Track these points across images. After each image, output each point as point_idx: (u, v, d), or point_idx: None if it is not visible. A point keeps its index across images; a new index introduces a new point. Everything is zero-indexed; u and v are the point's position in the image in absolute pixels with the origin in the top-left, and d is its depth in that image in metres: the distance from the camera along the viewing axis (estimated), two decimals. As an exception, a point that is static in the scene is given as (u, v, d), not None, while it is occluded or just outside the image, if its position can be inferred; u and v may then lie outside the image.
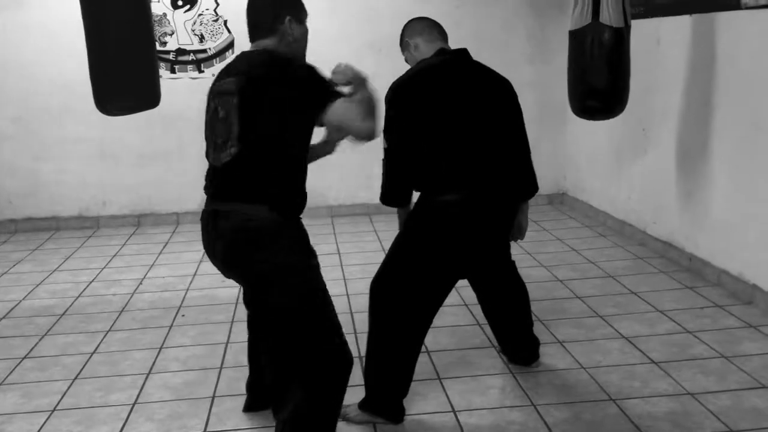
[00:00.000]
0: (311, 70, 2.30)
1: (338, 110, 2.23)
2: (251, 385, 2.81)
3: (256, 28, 2.45)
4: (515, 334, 3.09)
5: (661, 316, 3.59)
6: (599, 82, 3.64)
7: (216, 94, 2.35)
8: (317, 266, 2.35)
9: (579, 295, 3.93)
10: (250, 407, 2.81)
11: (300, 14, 2.49)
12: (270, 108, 2.23)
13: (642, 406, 2.72)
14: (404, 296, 2.66)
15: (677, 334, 3.36)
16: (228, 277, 2.42)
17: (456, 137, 2.64)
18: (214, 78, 2.45)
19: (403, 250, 2.72)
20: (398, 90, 2.70)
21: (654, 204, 4.66)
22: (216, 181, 2.34)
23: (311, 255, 2.35)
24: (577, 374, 3.01)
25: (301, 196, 2.36)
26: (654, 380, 2.92)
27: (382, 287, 2.71)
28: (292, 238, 2.31)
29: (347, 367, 2.28)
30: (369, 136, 2.28)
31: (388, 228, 5.40)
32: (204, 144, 2.44)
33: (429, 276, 2.66)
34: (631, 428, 2.57)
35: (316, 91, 2.25)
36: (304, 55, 2.54)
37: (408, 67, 2.87)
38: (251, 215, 2.24)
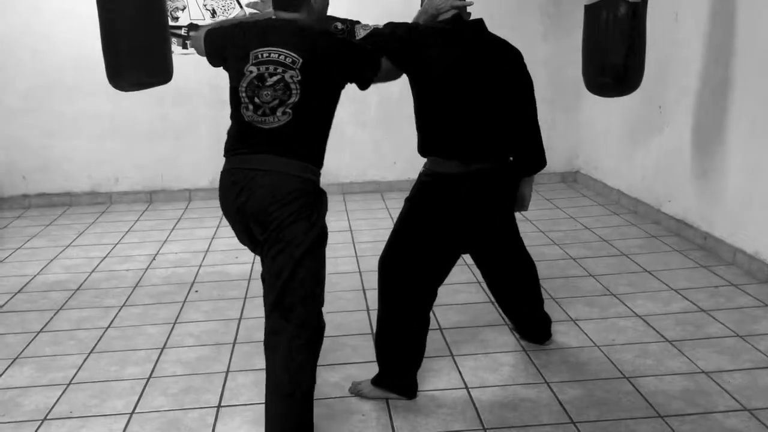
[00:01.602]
0: (354, 44, 2.59)
1: (385, 67, 2.58)
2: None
3: (288, 3, 2.58)
4: (524, 312, 3.07)
5: (675, 294, 3.57)
6: (614, 58, 3.59)
7: (263, 60, 2.46)
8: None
9: (592, 274, 3.91)
10: None
11: None
12: (327, 85, 2.49)
13: (656, 384, 2.71)
14: (409, 269, 2.65)
15: (691, 313, 3.35)
16: (248, 234, 2.53)
17: (459, 105, 2.61)
18: (245, 34, 2.56)
19: (406, 225, 2.72)
20: (414, 33, 2.64)
21: (669, 182, 4.62)
22: (260, 144, 2.46)
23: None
24: (591, 352, 3.00)
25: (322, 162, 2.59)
26: (668, 359, 2.91)
27: (388, 263, 2.71)
28: (325, 206, 2.53)
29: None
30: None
31: (400, 205, 5.39)
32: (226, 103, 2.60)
33: (432, 248, 2.65)
34: (645, 406, 2.57)
35: (368, 60, 2.56)
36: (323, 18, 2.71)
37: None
38: (302, 177, 2.43)
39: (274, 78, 2.44)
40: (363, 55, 2.57)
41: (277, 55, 2.46)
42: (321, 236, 2.46)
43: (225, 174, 2.56)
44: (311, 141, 2.51)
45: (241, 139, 2.54)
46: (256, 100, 2.47)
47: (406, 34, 2.62)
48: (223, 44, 2.63)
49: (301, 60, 2.43)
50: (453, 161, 2.61)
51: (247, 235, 2.56)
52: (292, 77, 2.44)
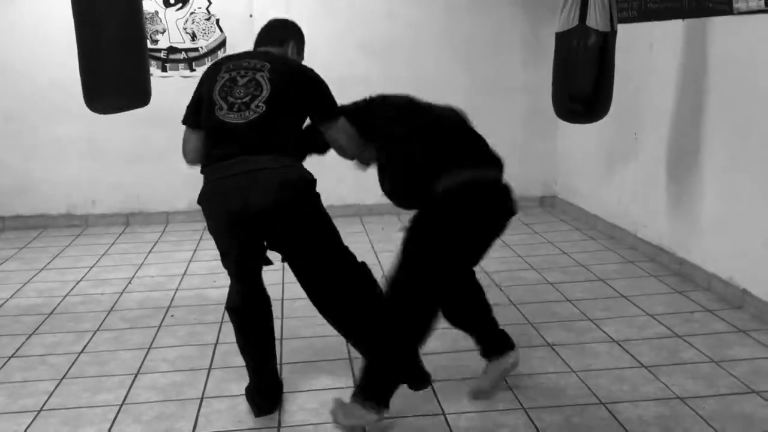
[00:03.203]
0: (320, 77, 2.80)
1: (337, 128, 2.76)
2: (264, 388, 2.81)
3: (266, 38, 2.94)
4: (481, 327, 3.01)
5: (651, 319, 3.60)
6: (583, 85, 3.65)
7: (233, 68, 2.72)
8: None
9: (569, 299, 3.93)
10: (263, 411, 2.78)
11: (300, 45, 3.01)
12: (294, 93, 2.68)
13: (632, 410, 2.72)
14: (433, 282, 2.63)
15: (667, 338, 3.37)
16: (245, 233, 2.64)
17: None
18: (216, 63, 2.86)
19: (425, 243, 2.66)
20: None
21: (645, 208, 4.67)
22: (238, 144, 2.60)
23: None
24: (567, 378, 3.01)
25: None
26: (643, 384, 2.92)
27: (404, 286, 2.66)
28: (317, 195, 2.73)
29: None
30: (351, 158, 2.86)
31: (379, 228, 5.39)
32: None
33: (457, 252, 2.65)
34: (620, 432, 2.58)
35: (325, 101, 2.76)
36: None
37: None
38: (294, 167, 2.64)
39: (245, 78, 2.67)
40: (325, 93, 2.76)
41: (246, 63, 2.74)
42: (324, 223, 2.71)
43: (213, 184, 2.66)
44: (287, 134, 2.67)
45: (217, 144, 2.66)
46: (229, 98, 2.64)
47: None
48: (201, 81, 2.86)
49: (269, 64, 2.71)
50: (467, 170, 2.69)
51: (239, 239, 2.67)
52: (262, 76, 2.67)
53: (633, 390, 2.88)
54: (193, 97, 2.86)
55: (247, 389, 2.84)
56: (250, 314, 2.79)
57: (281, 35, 2.94)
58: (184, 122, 2.87)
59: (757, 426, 2.58)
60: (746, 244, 3.65)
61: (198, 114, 2.78)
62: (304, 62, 2.97)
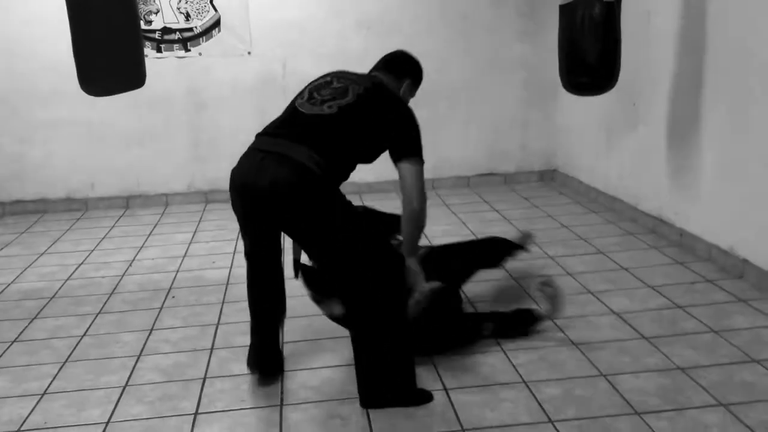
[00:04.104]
0: (414, 119, 2.82)
1: (408, 168, 2.74)
2: (262, 355, 2.89)
3: (386, 65, 3.00)
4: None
5: (652, 291, 3.60)
6: (590, 57, 3.62)
7: (337, 75, 2.88)
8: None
9: (570, 272, 3.93)
10: (264, 372, 2.89)
11: (414, 86, 3.03)
12: (377, 110, 2.76)
13: (632, 382, 2.73)
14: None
15: (668, 310, 3.37)
16: (246, 204, 2.73)
17: None
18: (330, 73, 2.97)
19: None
20: None
21: (645, 180, 4.66)
22: (292, 127, 2.72)
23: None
24: (568, 350, 3.01)
25: (344, 177, 2.77)
26: (644, 355, 2.93)
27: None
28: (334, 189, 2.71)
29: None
30: (412, 210, 2.79)
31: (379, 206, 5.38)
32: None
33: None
34: (621, 403, 2.58)
35: (408, 139, 2.77)
36: None
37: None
38: (311, 164, 2.58)
39: (340, 84, 2.80)
40: (411, 131, 2.78)
41: (351, 76, 2.88)
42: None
43: (246, 152, 2.78)
44: (342, 143, 2.69)
45: (278, 122, 2.81)
46: (314, 93, 2.80)
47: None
48: None
49: (371, 85, 2.82)
50: None
51: (243, 210, 2.78)
52: (354, 89, 2.77)
53: (634, 361, 2.89)
54: None
55: (248, 358, 2.91)
56: (259, 261, 2.86)
57: (402, 69, 2.99)
58: None
59: (758, 394, 2.59)
60: (746, 213, 3.64)
61: None
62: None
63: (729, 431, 2.38)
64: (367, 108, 2.74)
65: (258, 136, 2.80)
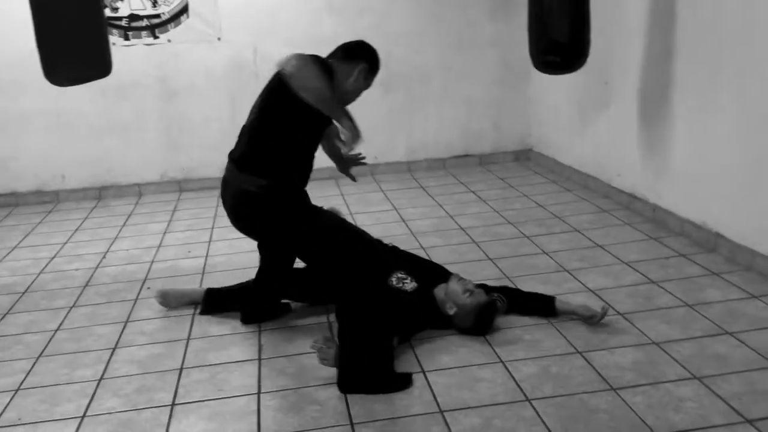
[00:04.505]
0: None
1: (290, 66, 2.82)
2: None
3: (342, 53, 3.03)
4: None
5: (626, 267, 3.62)
6: (560, 35, 3.61)
7: None
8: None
9: (546, 251, 3.94)
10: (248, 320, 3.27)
11: (370, 74, 3.03)
12: (277, 92, 2.89)
13: (608, 357, 2.75)
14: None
15: (642, 285, 3.40)
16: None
17: None
18: None
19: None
20: None
21: (617, 156, 4.68)
22: (235, 149, 3.09)
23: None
24: (545, 329, 3.03)
25: (295, 183, 3.10)
26: (619, 332, 2.95)
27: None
28: (285, 201, 3.05)
29: None
30: (290, 76, 2.78)
31: (356, 191, 5.36)
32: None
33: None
34: (597, 379, 2.60)
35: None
36: (345, 101, 2.99)
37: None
38: (246, 186, 3.00)
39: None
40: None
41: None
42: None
43: None
44: (265, 144, 2.98)
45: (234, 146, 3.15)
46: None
47: None
48: None
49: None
50: None
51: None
52: (267, 86, 3.00)
53: (609, 337, 2.91)
54: None
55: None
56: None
57: (355, 54, 3.00)
58: None
59: (731, 366, 2.62)
60: (718, 187, 3.67)
61: None
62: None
63: (703, 403, 2.41)
64: (275, 90, 2.90)
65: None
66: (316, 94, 2.75)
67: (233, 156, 3.10)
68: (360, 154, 3.31)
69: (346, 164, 3.39)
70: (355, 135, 2.77)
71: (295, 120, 2.89)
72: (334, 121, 2.88)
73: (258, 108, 3.00)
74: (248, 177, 2.99)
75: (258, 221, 3.08)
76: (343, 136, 2.79)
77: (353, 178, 3.44)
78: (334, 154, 3.38)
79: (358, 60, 2.97)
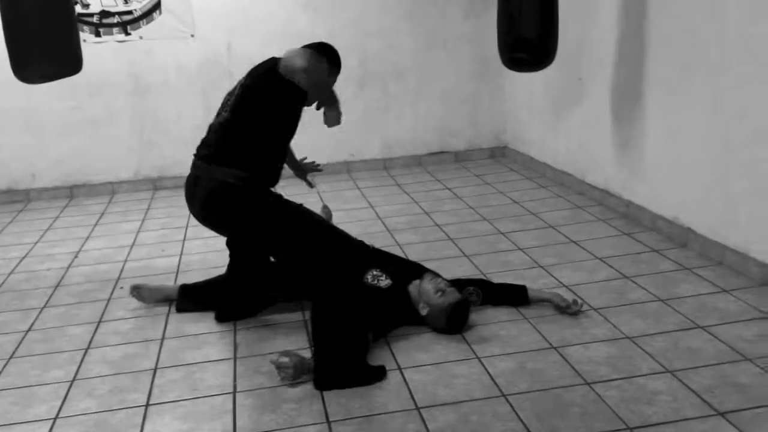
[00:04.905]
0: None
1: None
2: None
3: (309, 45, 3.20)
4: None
5: (600, 263, 3.66)
6: (528, 32, 3.62)
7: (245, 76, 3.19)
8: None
9: (521, 247, 3.97)
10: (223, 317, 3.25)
11: (332, 70, 3.20)
12: (256, 91, 3.06)
13: (582, 352, 2.77)
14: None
15: (616, 280, 3.43)
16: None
17: None
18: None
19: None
20: None
21: (591, 153, 4.72)
22: (207, 146, 3.14)
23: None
24: (520, 324, 3.05)
25: (272, 174, 3.17)
26: (593, 326, 2.98)
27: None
28: (264, 193, 3.16)
29: None
30: (303, 69, 3.01)
31: (338, 186, 5.35)
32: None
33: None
34: (572, 374, 2.63)
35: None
36: (320, 94, 3.24)
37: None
38: (224, 178, 3.04)
39: (234, 86, 3.18)
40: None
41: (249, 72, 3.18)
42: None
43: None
44: (242, 141, 3.06)
45: (201, 144, 3.22)
46: (221, 107, 3.19)
47: None
48: None
49: (254, 72, 3.14)
50: None
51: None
52: (240, 83, 3.13)
53: (583, 332, 2.93)
54: None
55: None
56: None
57: (316, 47, 3.18)
58: None
59: (703, 360, 2.66)
60: (689, 183, 3.72)
61: None
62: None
63: (676, 396, 2.44)
64: (251, 89, 3.06)
65: (193, 157, 3.22)
66: (326, 88, 3.18)
67: (204, 153, 3.15)
68: (315, 161, 3.72)
69: (303, 171, 3.67)
70: (338, 120, 3.28)
71: (280, 113, 3.08)
72: (324, 106, 3.26)
73: (239, 102, 3.07)
74: (226, 170, 3.04)
75: (236, 214, 3.10)
76: (326, 117, 3.26)
77: (310, 184, 3.70)
78: (291, 160, 3.57)
79: (324, 59, 3.19)
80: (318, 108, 3.27)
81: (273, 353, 2.89)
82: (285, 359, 2.64)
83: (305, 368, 2.66)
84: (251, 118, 3.05)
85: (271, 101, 3.04)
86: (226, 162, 3.06)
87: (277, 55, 3.13)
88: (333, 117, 3.27)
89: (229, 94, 3.18)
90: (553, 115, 5.23)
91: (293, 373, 2.64)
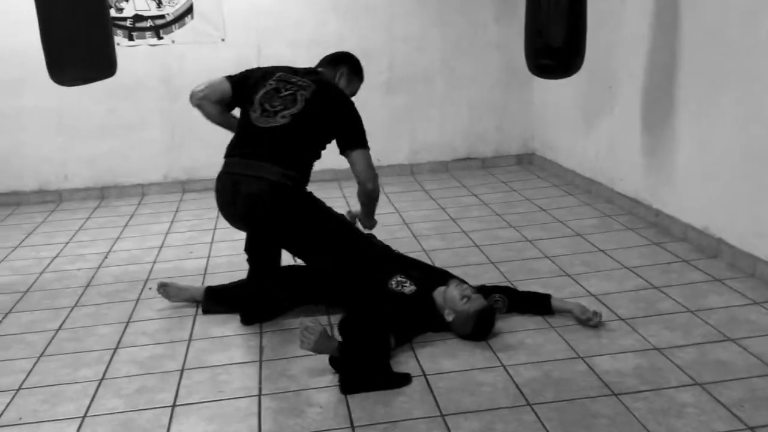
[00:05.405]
0: (356, 111, 3.22)
1: (359, 155, 3.15)
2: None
3: (325, 60, 3.43)
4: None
5: (629, 272, 3.62)
6: (554, 40, 3.60)
7: (282, 80, 3.19)
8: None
9: (548, 255, 3.94)
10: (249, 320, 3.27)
11: (351, 75, 3.40)
12: (324, 110, 3.15)
13: (610, 363, 2.74)
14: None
15: (644, 290, 3.40)
16: (235, 223, 3.27)
17: None
18: (271, 68, 3.33)
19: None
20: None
21: (621, 161, 4.67)
22: (255, 146, 3.10)
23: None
24: (546, 333, 3.03)
25: (308, 177, 3.22)
26: (621, 337, 2.95)
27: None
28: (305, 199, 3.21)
29: None
30: (367, 190, 3.23)
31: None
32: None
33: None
34: (599, 384, 2.60)
35: (354, 129, 3.17)
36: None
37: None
38: (275, 177, 3.04)
39: (287, 92, 3.14)
40: (354, 121, 3.17)
41: (295, 80, 3.18)
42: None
43: (220, 175, 3.19)
44: (301, 148, 3.11)
45: (240, 141, 3.18)
46: (266, 105, 3.12)
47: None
48: (250, 73, 3.31)
49: (314, 86, 3.16)
50: None
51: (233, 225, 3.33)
52: (302, 94, 3.13)
53: (611, 343, 2.90)
54: (241, 72, 3.31)
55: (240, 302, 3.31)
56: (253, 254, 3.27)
57: (337, 60, 3.40)
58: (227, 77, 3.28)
59: (733, 373, 2.62)
60: (720, 192, 3.67)
61: (241, 80, 3.25)
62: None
63: (704, 409, 2.40)
64: (316, 111, 3.12)
65: (227, 158, 3.19)
66: (374, 206, 3.39)
67: (250, 151, 3.12)
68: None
69: None
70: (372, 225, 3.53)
71: (327, 136, 3.21)
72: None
73: (302, 114, 3.11)
74: (278, 168, 3.05)
75: (286, 212, 3.09)
76: (360, 222, 3.50)
77: None
78: None
79: (340, 65, 3.38)
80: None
81: (299, 356, 2.91)
82: (313, 325, 2.68)
83: (327, 346, 2.71)
84: (312, 130, 3.13)
85: (332, 125, 3.17)
86: (279, 162, 3.06)
87: (332, 68, 3.38)
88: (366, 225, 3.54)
89: (279, 97, 3.15)
90: (582, 122, 5.19)
91: (315, 341, 2.67)
